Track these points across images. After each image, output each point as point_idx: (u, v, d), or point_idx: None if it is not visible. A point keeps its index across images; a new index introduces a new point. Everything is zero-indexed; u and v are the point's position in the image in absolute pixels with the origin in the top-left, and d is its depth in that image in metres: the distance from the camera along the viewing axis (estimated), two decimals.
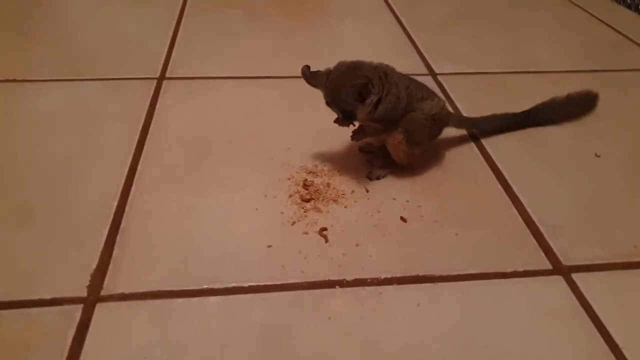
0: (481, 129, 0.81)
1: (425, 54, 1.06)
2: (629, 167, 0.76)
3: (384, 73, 0.65)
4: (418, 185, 0.71)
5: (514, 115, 0.82)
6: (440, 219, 0.65)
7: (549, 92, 0.86)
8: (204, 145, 0.77)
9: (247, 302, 0.54)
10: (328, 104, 0.65)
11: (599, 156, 0.78)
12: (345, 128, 0.68)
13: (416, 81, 0.71)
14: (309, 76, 0.67)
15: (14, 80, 0.91)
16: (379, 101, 0.64)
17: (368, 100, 0.63)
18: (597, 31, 1.20)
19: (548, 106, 0.83)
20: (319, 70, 0.67)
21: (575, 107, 0.85)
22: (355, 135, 0.70)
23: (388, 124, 0.67)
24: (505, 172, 0.74)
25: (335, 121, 0.68)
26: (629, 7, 1.32)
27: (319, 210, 0.65)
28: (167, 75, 0.95)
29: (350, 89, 0.62)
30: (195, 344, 0.50)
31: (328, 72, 0.65)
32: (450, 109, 0.86)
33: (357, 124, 0.69)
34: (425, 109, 0.68)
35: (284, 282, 0.56)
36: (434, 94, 0.71)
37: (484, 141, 0.80)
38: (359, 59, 0.66)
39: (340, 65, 0.65)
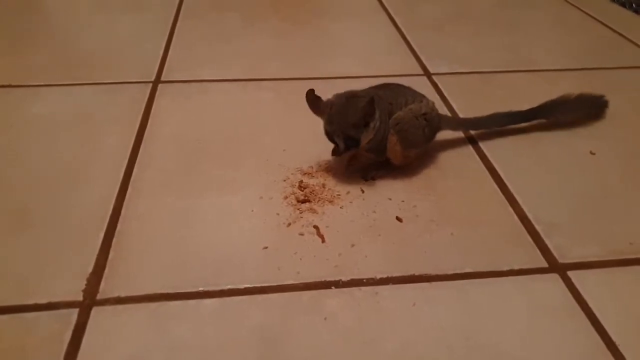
0: (481, 130, 0.80)
1: (420, 54, 1.06)
2: (624, 165, 0.76)
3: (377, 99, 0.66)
4: (413, 185, 0.71)
5: (518, 113, 0.80)
6: (436, 218, 0.65)
7: (545, 91, 0.86)
8: (200, 148, 0.77)
9: (243, 303, 0.54)
10: (330, 133, 0.66)
11: (594, 154, 0.78)
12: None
13: (398, 87, 0.72)
14: (314, 102, 0.68)
15: (10, 86, 0.91)
16: (376, 131, 0.66)
17: (372, 125, 0.65)
18: (592, 30, 1.21)
19: (556, 104, 0.81)
20: (321, 98, 0.68)
21: (584, 108, 0.84)
22: (350, 165, 0.71)
23: (380, 153, 0.69)
24: (501, 170, 0.74)
25: (333, 152, 0.70)
26: (623, 5, 1.32)
27: (314, 211, 0.65)
28: (163, 78, 0.95)
29: (357, 113, 0.64)
30: (191, 347, 0.50)
31: (330, 103, 0.67)
32: (446, 111, 0.87)
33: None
34: (414, 109, 0.69)
35: (280, 283, 0.56)
36: (422, 97, 0.72)
37: (479, 140, 0.80)
38: (351, 89, 0.68)
39: (340, 97, 0.67)
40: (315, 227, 0.63)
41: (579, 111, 0.84)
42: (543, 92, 0.86)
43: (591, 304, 0.55)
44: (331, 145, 0.70)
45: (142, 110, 0.85)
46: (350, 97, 0.67)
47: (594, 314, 0.54)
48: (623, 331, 0.52)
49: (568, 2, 1.35)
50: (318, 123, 0.68)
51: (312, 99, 0.67)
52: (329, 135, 0.67)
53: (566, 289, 0.57)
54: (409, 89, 0.72)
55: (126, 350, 0.49)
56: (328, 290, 0.56)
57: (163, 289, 0.55)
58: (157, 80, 0.94)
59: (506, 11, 1.30)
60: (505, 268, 0.59)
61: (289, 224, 0.63)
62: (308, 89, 0.67)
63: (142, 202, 0.66)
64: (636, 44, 1.13)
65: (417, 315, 0.53)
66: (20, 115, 0.83)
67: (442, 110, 0.86)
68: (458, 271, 0.58)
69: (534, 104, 0.82)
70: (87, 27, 1.15)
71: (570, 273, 0.59)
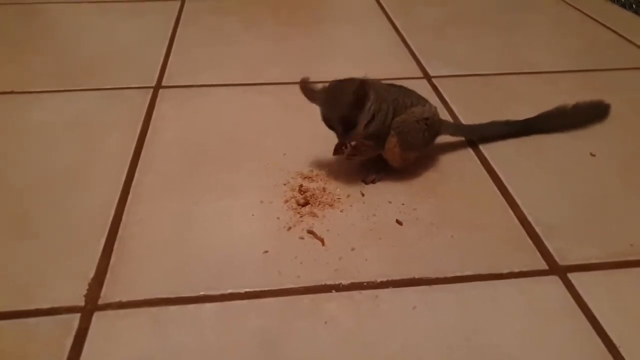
0: (479, 137, 0.81)
1: (420, 57, 1.07)
2: (625, 166, 0.76)
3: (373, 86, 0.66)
4: (413, 188, 0.71)
5: (516, 123, 0.80)
6: (436, 221, 0.65)
7: (545, 93, 0.86)
8: (200, 152, 0.77)
9: (243, 308, 0.54)
10: (327, 117, 0.66)
11: (594, 155, 0.78)
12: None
13: (405, 89, 0.72)
14: (308, 90, 0.68)
15: (12, 92, 0.92)
16: (373, 116, 0.65)
17: (367, 106, 0.64)
18: (592, 31, 1.21)
19: (553, 115, 0.81)
20: (314, 87, 0.68)
21: (583, 117, 0.84)
22: (350, 155, 0.70)
23: (380, 141, 0.68)
24: (501, 172, 0.74)
25: (335, 151, 0.70)
26: (623, 6, 1.32)
27: (314, 215, 0.65)
28: (164, 83, 0.95)
29: (350, 94, 0.63)
30: (192, 351, 0.50)
31: (325, 89, 0.67)
32: (447, 114, 0.87)
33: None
34: (416, 113, 0.69)
35: (280, 287, 0.56)
36: (425, 101, 0.72)
37: (479, 142, 0.80)
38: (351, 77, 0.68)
39: (335, 81, 0.67)
40: (310, 231, 0.63)
41: (579, 120, 0.84)
42: (543, 94, 0.86)
43: (592, 306, 0.55)
44: (331, 147, 0.70)
45: (143, 115, 0.86)
46: (343, 80, 0.66)
47: (594, 316, 0.54)
48: (624, 333, 0.52)
49: (567, 3, 1.35)
50: (318, 126, 0.68)
51: (306, 87, 0.68)
52: (326, 120, 0.66)
53: (566, 291, 0.57)
54: (413, 92, 0.73)
55: (128, 355, 0.50)
56: (328, 294, 0.56)
57: (164, 294, 0.55)
58: (158, 85, 0.95)
59: (505, 13, 1.30)
60: (505, 271, 0.59)
61: (289, 228, 0.64)
62: (300, 80, 0.68)
63: (143, 207, 0.67)
64: (636, 45, 1.13)
65: (417, 319, 0.53)
66: (22, 121, 0.84)
67: (442, 112, 0.86)
68: (458, 274, 0.59)
69: (535, 106, 0.83)
70: (88, 33, 1.15)
71: (570, 275, 0.59)
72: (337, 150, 0.71)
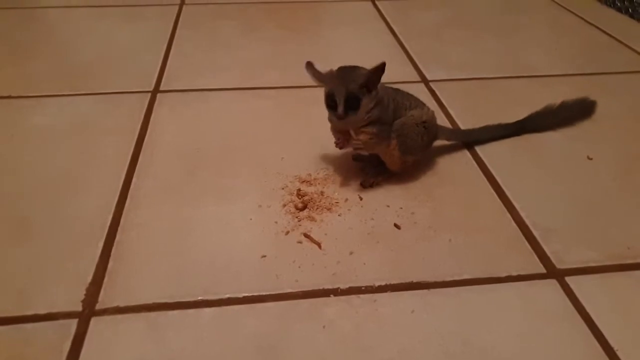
0: (474, 141, 0.81)
1: (417, 61, 1.07)
2: (621, 169, 0.76)
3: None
4: (411, 191, 0.71)
5: (508, 125, 0.82)
6: (434, 225, 0.65)
7: (542, 96, 0.87)
8: (198, 156, 0.77)
9: (241, 312, 0.54)
10: (333, 92, 0.64)
11: (591, 159, 0.78)
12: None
13: (403, 92, 0.72)
14: (314, 68, 0.68)
15: (10, 97, 0.92)
16: (374, 104, 0.66)
17: (373, 92, 0.65)
18: (588, 34, 1.21)
19: (542, 114, 0.83)
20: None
21: (571, 113, 0.86)
22: (355, 141, 0.68)
23: (382, 131, 0.68)
24: (498, 176, 0.74)
25: (337, 142, 0.69)
26: (619, 10, 1.33)
27: (313, 219, 0.65)
28: (162, 88, 0.95)
29: (364, 75, 0.64)
30: (190, 356, 0.50)
31: (335, 69, 0.67)
32: (444, 117, 0.87)
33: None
34: (416, 116, 0.69)
35: (279, 291, 0.56)
36: (423, 104, 0.73)
37: (476, 146, 0.81)
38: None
39: (346, 65, 0.67)
40: (306, 235, 0.63)
41: (566, 119, 0.85)
42: (540, 97, 0.86)
43: (589, 309, 0.55)
44: (330, 150, 0.69)
45: (141, 119, 0.86)
46: (354, 65, 0.67)
47: (591, 319, 0.54)
48: (621, 336, 0.52)
49: (564, 7, 1.36)
50: (316, 130, 0.68)
51: (312, 66, 0.68)
52: (330, 97, 0.64)
53: (564, 295, 0.57)
54: (411, 95, 0.73)
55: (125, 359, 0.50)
56: (326, 298, 0.56)
57: (162, 299, 0.55)
58: (156, 90, 0.95)
59: (502, 17, 1.31)
60: (503, 274, 0.59)
61: (288, 232, 0.64)
62: (306, 61, 0.68)
63: (141, 212, 0.67)
64: (632, 49, 1.14)
65: (415, 322, 0.53)
66: (20, 126, 0.84)
67: (440, 116, 0.86)
68: (456, 278, 0.59)
69: (532, 110, 0.83)
70: (86, 38, 1.16)
71: (568, 278, 0.59)
72: (341, 142, 0.68)
